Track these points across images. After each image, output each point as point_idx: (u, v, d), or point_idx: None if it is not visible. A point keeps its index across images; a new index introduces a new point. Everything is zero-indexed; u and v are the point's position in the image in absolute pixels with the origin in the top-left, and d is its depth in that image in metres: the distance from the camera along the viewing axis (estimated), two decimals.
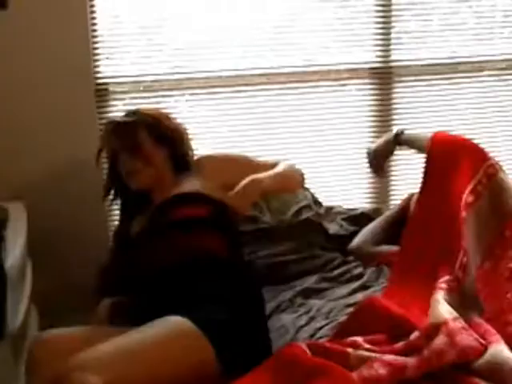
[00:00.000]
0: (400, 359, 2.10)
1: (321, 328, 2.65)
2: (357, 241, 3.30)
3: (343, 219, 3.46)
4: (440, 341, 2.12)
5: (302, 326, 2.70)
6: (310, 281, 3.03)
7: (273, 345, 2.58)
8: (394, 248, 3.16)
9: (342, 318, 2.65)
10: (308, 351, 2.14)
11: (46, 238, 3.26)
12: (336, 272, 3.10)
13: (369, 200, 3.87)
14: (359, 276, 3.06)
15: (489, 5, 3.83)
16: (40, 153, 3.36)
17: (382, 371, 2.05)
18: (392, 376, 2.03)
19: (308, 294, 2.96)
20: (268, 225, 3.25)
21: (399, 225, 3.25)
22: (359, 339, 2.26)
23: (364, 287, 2.97)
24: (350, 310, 2.72)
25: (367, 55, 3.70)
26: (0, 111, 3.26)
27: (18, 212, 3.12)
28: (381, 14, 3.64)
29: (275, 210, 3.33)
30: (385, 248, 3.22)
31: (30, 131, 3.34)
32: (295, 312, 2.82)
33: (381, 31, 3.67)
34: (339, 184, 3.84)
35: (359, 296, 2.88)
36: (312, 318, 2.75)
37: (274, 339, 2.61)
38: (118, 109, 3.51)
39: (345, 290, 2.97)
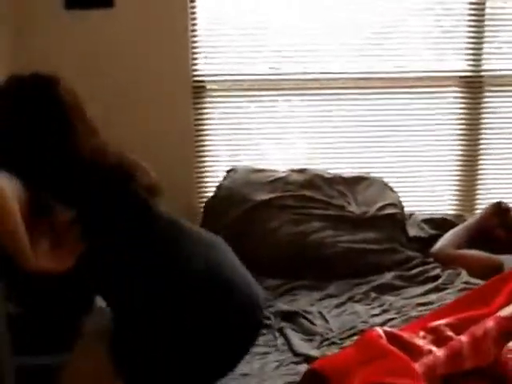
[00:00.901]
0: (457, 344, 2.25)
1: (392, 319, 2.80)
2: (439, 244, 3.40)
3: (425, 222, 3.57)
4: None
5: (375, 315, 2.85)
6: (387, 277, 3.17)
7: (343, 326, 2.76)
8: (474, 252, 3.26)
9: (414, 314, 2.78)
10: (384, 336, 2.31)
11: None
12: (413, 271, 3.23)
13: (454, 207, 3.90)
14: (435, 277, 3.18)
15: None
16: (138, 143, 3.53)
17: (440, 353, 2.20)
18: (448, 359, 2.17)
19: (383, 289, 3.10)
20: (353, 214, 3.40)
21: (480, 232, 3.34)
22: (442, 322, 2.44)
23: (438, 289, 3.08)
24: (422, 308, 2.86)
25: (459, 64, 3.74)
26: (103, 102, 3.39)
27: None
28: (473, 23, 3.67)
29: (361, 201, 3.48)
30: (465, 252, 3.32)
31: (129, 122, 3.53)
32: (368, 304, 2.98)
33: (473, 40, 3.69)
34: (425, 190, 3.90)
35: (433, 297, 2.99)
36: (384, 311, 2.91)
37: (347, 322, 2.80)
38: (213, 106, 3.70)
39: (419, 289, 3.09)
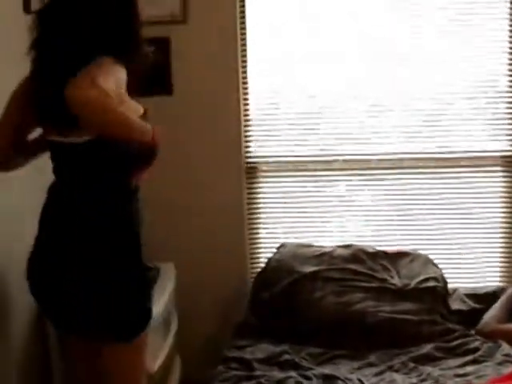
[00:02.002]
0: None
1: None
2: (482, 321, 3.48)
3: (467, 296, 3.66)
4: None
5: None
6: (426, 348, 3.26)
7: None
8: None
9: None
10: None
11: (192, 296, 3.66)
12: (453, 343, 3.31)
13: (499, 280, 3.95)
14: (475, 350, 3.26)
15: None
16: (193, 222, 3.79)
17: None
18: None
19: (422, 360, 3.20)
20: (394, 286, 3.52)
21: None
22: None
23: (477, 361, 3.16)
24: (459, 379, 2.97)
25: (502, 144, 3.86)
26: (161, 187, 3.60)
27: (169, 271, 3.52)
28: None
29: (404, 275, 3.61)
30: (507, 326, 3.40)
31: (186, 200, 3.77)
32: (406, 374, 3.09)
33: None
34: (471, 266, 3.97)
35: (470, 369, 3.09)
36: (422, 380, 3.03)
37: None
38: (265, 185, 3.91)
39: (458, 361, 3.19)
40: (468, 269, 3.96)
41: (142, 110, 2.45)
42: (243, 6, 3.71)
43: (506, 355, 3.17)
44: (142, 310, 2.46)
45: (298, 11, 3.80)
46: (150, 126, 2.40)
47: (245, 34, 3.75)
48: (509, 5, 3.72)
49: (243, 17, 3.72)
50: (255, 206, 3.93)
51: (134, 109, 2.39)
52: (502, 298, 3.55)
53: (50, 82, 2.30)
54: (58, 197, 2.44)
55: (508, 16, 3.74)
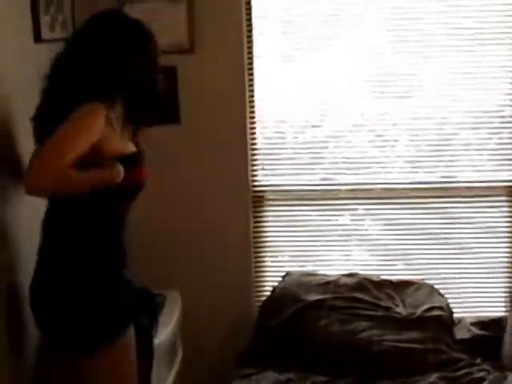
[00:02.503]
0: None
1: None
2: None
3: (473, 325, 3.67)
4: None
5: None
6: (431, 378, 3.27)
7: None
8: None
9: None
10: None
11: (197, 324, 3.68)
12: (458, 373, 3.32)
13: (503, 309, 3.94)
14: (480, 380, 3.27)
15: None
16: (199, 250, 3.81)
17: None
18: None
19: None
20: (399, 315, 3.54)
21: None
22: None
23: None
24: None
25: (506, 174, 3.89)
26: (168, 214, 3.72)
27: (175, 298, 3.56)
28: None
29: (409, 304, 3.63)
30: None
31: (193, 230, 3.79)
32: None
33: None
34: (476, 295, 3.98)
35: None
36: None
37: None
38: (271, 213, 3.93)
39: None
40: (473, 298, 3.97)
41: (133, 149, 2.62)
42: (250, 37, 3.75)
43: None
44: (109, 320, 2.54)
45: (305, 42, 3.84)
46: (119, 168, 2.49)
47: (252, 63, 3.79)
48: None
49: (250, 47, 3.76)
50: (261, 234, 3.95)
51: (121, 149, 2.57)
52: None
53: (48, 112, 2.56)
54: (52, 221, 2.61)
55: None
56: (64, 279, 2.51)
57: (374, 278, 3.74)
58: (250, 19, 3.74)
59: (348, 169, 3.94)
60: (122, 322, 2.58)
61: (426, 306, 3.57)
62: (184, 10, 3.59)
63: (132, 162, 2.60)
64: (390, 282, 3.75)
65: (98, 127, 2.46)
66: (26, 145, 2.65)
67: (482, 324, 3.67)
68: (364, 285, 3.66)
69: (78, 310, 2.49)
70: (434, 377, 3.26)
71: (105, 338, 2.52)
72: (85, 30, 2.59)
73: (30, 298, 2.58)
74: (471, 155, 3.93)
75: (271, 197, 3.94)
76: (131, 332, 2.61)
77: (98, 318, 2.51)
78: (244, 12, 3.71)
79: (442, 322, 3.54)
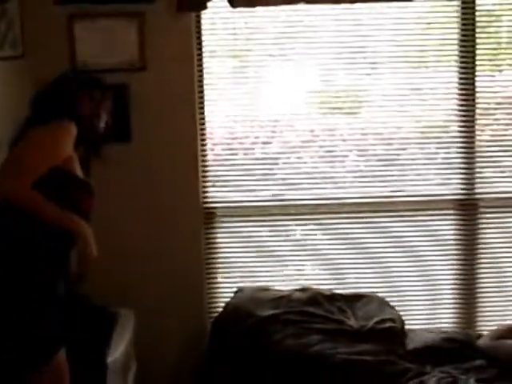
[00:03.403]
0: None
1: None
2: (484, 337, 3.65)
3: (422, 335, 3.72)
4: None
5: None
6: None
7: None
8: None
9: None
10: None
11: (151, 341, 3.67)
12: (411, 382, 3.34)
13: (451, 320, 4.06)
14: None
15: None
16: (151, 267, 3.80)
17: None
18: None
19: None
20: (351, 328, 3.58)
21: None
22: None
23: None
24: None
25: (454, 188, 3.97)
26: (120, 231, 3.70)
27: (128, 317, 3.52)
28: (466, 154, 3.93)
29: (360, 317, 3.67)
30: (504, 341, 3.54)
31: (145, 247, 3.79)
32: None
33: (465, 166, 3.94)
34: (423, 303, 4.06)
35: None
36: None
37: None
38: (223, 230, 3.96)
39: None
40: (422, 310, 4.05)
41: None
42: (200, 54, 3.79)
43: None
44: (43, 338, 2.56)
45: (255, 60, 3.90)
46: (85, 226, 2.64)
47: (202, 81, 3.82)
48: (457, 58, 3.87)
49: (200, 64, 3.80)
50: (213, 250, 3.98)
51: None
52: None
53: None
54: None
55: (457, 68, 3.88)
56: None
57: (326, 292, 3.78)
58: (199, 37, 3.78)
59: (298, 184, 3.98)
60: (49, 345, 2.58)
61: (377, 319, 3.63)
62: (135, 28, 3.61)
63: (82, 187, 2.73)
64: (342, 295, 3.80)
65: (69, 146, 2.64)
66: None
67: (433, 336, 3.72)
68: (316, 299, 3.70)
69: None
70: None
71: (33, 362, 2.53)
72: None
73: None
74: (419, 170, 4.01)
75: (222, 213, 3.96)
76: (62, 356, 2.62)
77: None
78: (194, 30, 3.74)
79: (393, 333, 3.59)
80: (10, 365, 2.54)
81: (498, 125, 4.00)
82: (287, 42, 3.90)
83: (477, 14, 3.84)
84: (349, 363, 3.40)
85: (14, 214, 2.57)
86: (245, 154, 4.00)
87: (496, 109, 3.98)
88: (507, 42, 3.99)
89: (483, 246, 4.02)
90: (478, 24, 3.85)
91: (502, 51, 3.99)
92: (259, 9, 3.71)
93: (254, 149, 4.02)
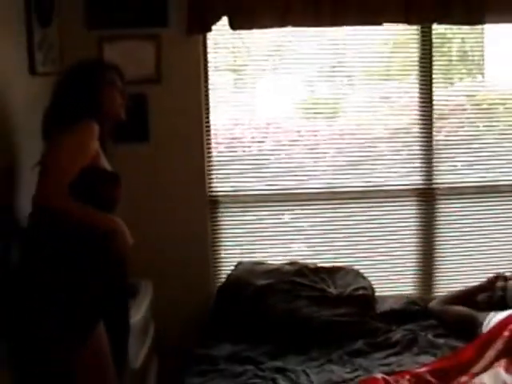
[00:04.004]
0: None
1: (359, 376, 3.10)
2: (437, 299, 3.74)
3: (389, 301, 3.87)
4: None
5: (347, 373, 3.14)
6: (357, 344, 3.43)
7: (322, 380, 3.04)
8: (459, 307, 3.59)
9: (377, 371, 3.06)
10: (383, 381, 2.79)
11: (166, 306, 3.77)
12: (379, 339, 3.49)
13: (416, 289, 4.15)
14: (396, 343, 3.44)
15: None
16: (167, 247, 3.88)
17: None
18: None
19: (354, 354, 3.37)
20: (332, 294, 3.69)
21: (474, 295, 3.69)
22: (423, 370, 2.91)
23: (397, 353, 3.35)
24: (384, 368, 3.15)
25: (415, 178, 4.06)
26: (140, 216, 3.68)
27: (147, 286, 3.61)
28: (425, 147, 4.03)
29: (339, 285, 3.77)
30: (452, 307, 3.64)
31: (161, 231, 3.85)
32: (342, 365, 3.25)
33: (426, 160, 4.03)
34: (390, 275, 4.15)
35: (393, 359, 3.29)
36: (354, 370, 3.20)
37: (325, 378, 3.08)
38: (225, 215, 4.04)
39: (383, 353, 3.36)
40: (389, 280, 4.13)
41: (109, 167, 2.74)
42: (206, 70, 3.88)
43: (421, 347, 3.36)
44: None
45: (251, 73, 3.99)
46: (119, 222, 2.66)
47: (207, 91, 3.90)
48: (417, 72, 3.96)
49: (206, 78, 3.88)
50: (217, 231, 4.05)
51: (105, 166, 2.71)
52: (462, 288, 3.80)
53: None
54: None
55: (417, 80, 3.97)
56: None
57: (311, 266, 3.87)
58: (205, 54, 3.86)
59: (287, 176, 4.06)
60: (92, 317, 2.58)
61: (352, 287, 3.73)
62: (153, 48, 3.70)
63: (110, 180, 2.71)
64: (324, 268, 3.88)
65: (95, 144, 2.60)
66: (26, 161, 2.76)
67: (397, 301, 3.85)
68: (303, 271, 3.79)
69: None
70: (359, 343, 3.42)
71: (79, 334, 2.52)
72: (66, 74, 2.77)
73: None
74: (387, 164, 4.08)
75: (224, 200, 4.03)
76: (101, 326, 2.63)
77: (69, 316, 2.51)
78: (201, 50, 3.83)
79: (366, 299, 3.71)
80: (55, 344, 2.50)
81: (452, 127, 4.09)
82: (277, 58, 3.98)
83: (433, 36, 3.92)
84: (331, 323, 3.54)
85: (54, 220, 2.50)
86: (243, 152, 4.07)
87: (449, 114, 4.06)
88: (457, 60, 4.08)
89: (440, 226, 4.10)
90: (434, 44, 3.93)
91: (453, 67, 4.08)
92: (254, 30, 3.77)
93: (250, 147, 4.09)
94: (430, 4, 3.64)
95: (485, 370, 2.84)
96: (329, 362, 3.26)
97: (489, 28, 3.95)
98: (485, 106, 4.12)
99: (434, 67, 3.96)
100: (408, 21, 3.70)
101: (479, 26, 3.89)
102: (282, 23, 3.65)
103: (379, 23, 3.69)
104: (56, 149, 2.56)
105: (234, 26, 3.65)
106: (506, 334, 3.00)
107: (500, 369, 2.75)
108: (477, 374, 2.85)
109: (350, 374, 3.12)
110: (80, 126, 2.57)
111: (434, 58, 3.95)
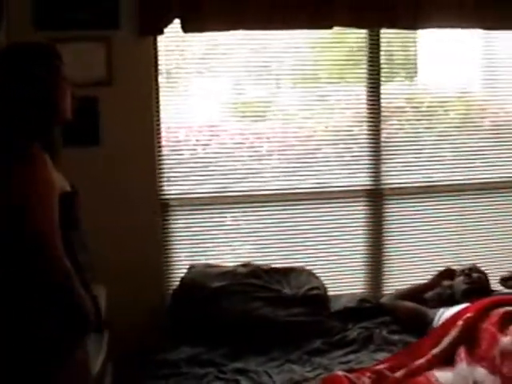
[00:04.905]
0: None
1: (320, 374, 3.15)
2: (387, 296, 3.83)
3: (343, 299, 3.93)
4: None
5: (307, 372, 3.19)
6: (315, 344, 3.48)
7: (284, 380, 3.08)
8: (410, 303, 3.70)
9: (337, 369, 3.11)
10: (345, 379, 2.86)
11: (120, 312, 3.66)
12: (335, 338, 3.55)
13: (365, 287, 4.24)
14: (352, 342, 3.51)
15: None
16: (119, 251, 3.81)
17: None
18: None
19: (313, 353, 3.42)
20: (287, 295, 3.72)
21: (422, 292, 3.80)
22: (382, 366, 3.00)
23: (355, 351, 3.42)
24: (343, 366, 3.21)
25: (363, 179, 4.15)
26: (91, 220, 3.60)
27: (100, 291, 3.49)
28: (373, 149, 4.12)
29: (294, 285, 3.81)
30: (403, 302, 3.73)
31: (112, 234, 3.78)
32: (302, 364, 3.30)
33: (373, 161, 4.12)
34: (341, 274, 4.21)
35: (351, 357, 3.36)
36: (314, 368, 3.25)
37: (286, 377, 3.12)
38: (176, 218, 4.02)
39: (341, 352, 3.42)
40: (340, 279, 4.19)
41: (67, 187, 2.21)
42: (156, 71, 3.85)
43: (377, 344, 3.45)
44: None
45: (195, 79, 3.99)
46: None
47: (158, 95, 3.87)
48: (366, 72, 4.06)
49: (156, 81, 3.86)
50: (168, 234, 4.02)
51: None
52: (411, 286, 3.90)
53: None
54: None
55: (365, 80, 4.06)
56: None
57: (264, 267, 3.89)
58: (156, 58, 3.83)
59: (237, 178, 4.07)
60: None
61: (306, 287, 3.77)
62: (103, 50, 3.65)
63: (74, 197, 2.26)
64: (277, 269, 3.91)
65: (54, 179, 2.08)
66: None
67: (350, 299, 3.92)
68: (256, 272, 3.81)
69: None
70: (317, 343, 3.47)
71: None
72: None
73: None
74: (334, 165, 4.13)
75: (175, 203, 4.01)
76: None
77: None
78: (152, 52, 3.80)
79: (320, 298, 3.76)
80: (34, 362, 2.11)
81: (395, 128, 4.18)
82: (214, 62, 3.98)
83: (381, 40, 4.02)
84: (286, 323, 3.57)
85: None
86: (190, 155, 4.04)
87: (392, 115, 4.15)
88: (403, 60, 4.21)
89: (387, 225, 4.20)
90: (381, 48, 4.04)
91: (401, 69, 4.20)
92: (191, 35, 3.74)
93: (196, 150, 4.06)
94: (379, 9, 3.73)
95: (443, 354, 2.95)
96: (288, 362, 3.29)
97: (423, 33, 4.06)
98: (424, 109, 4.24)
99: (382, 68, 4.06)
100: (357, 25, 3.79)
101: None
102: (234, 27, 3.67)
103: (329, 27, 3.76)
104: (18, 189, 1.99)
105: (186, 29, 3.64)
106: (460, 323, 3.12)
107: (462, 364, 2.85)
108: (435, 356, 2.96)
109: (310, 372, 3.17)
110: (33, 157, 2.03)
111: (381, 60, 4.05)
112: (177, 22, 3.65)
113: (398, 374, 2.87)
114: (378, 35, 3.99)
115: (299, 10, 3.66)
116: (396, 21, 3.76)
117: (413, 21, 3.77)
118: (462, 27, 3.93)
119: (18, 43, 2.22)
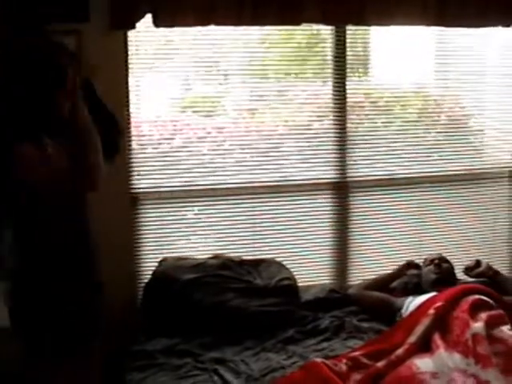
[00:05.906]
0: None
1: (295, 362, 3.21)
2: (354, 286, 3.91)
3: (312, 290, 4.00)
4: None
5: (283, 359, 3.24)
6: (289, 332, 3.54)
7: (261, 367, 3.12)
8: (377, 293, 3.80)
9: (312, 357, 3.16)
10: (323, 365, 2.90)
11: None
12: (308, 327, 3.62)
13: (331, 278, 4.31)
14: (325, 330, 3.58)
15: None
16: None
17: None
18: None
19: (287, 341, 3.48)
20: (258, 286, 3.76)
21: (388, 282, 3.90)
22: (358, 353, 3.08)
23: (328, 339, 3.49)
24: (317, 353, 3.28)
25: (328, 173, 4.21)
26: None
27: None
28: (338, 142, 4.19)
29: (265, 276, 3.85)
30: (370, 292, 3.82)
31: None
32: (277, 353, 3.35)
33: (339, 154, 4.20)
34: (309, 265, 4.28)
35: (324, 345, 3.43)
36: (289, 357, 3.30)
37: (263, 365, 3.17)
38: (146, 212, 4.02)
39: (314, 340, 3.49)
40: (309, 270, 4.26)
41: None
42: (127, 65, 3.84)
43: (349, 332, 3.53)
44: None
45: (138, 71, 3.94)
46: None
47: (128, 92, 3.87)
48: (332, 67, 4.13)
49: (127, 76, 3.86)
50: (139, 228, 4.02)
51: None
52: (377, 276, 3.99)
53: None
54: None
55: (331, 75, 4.13)
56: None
57: (235, 259, 3.93)
58: (126, 52, 3.83)
59: (203, 172, 4.08)
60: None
61: (277, 278, 3.82)
62: (74, 44, 3.59)
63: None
64: (248, 260, 3.96)
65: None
66: None
67: (319, 290, 4.00)
68: (227, 264, 3.85)
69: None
70: (291, 331, 3.53)
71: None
72: None
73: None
74: (300, 158, 4.18)
75: (144, 197, 4.01)
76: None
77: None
78: (123, 45, 3.79)
79: (291, 289, 3.81)
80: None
81: (366, 121, 4.27)
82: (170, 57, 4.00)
83: (347, 35, 4.09)
84: (259, 313, 3.61)
85: None
86: (154, 149, 4.02)
87: (363, 107, 4.25)
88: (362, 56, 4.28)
89: (353, 217, 4.28)
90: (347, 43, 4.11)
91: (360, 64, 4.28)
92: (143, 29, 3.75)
93: (161, 144, 4.05)
94: (346, 6, 3.81)
95: (420, 342, 3.05)
96: (264, 351, 3.34)
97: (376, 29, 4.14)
98: (382, 103, 4.33)
99: (348, 63, 4.12)
100: (326, 21, 3.86)
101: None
102: (205, 22, 3.68)
103: (298, 23, 3.81)
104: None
105: (157, 23, 3.64)
106: (432, 311, 3.22)
107: (440, 350, 2.95)
108: (412, 345, 3.05)
109: (286, 360, 3.23)
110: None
111: (347, 55, 4.11)
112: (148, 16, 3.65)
113: (380, 364, 2.92)
114: (344, 32, 4.07)
115: (269, 7, 3.71)
116: (363, 17, 3.84)
117: (379, 18, 3.85)
118: (426, 25, 4.04)
119: (23, 40, 2.36)
